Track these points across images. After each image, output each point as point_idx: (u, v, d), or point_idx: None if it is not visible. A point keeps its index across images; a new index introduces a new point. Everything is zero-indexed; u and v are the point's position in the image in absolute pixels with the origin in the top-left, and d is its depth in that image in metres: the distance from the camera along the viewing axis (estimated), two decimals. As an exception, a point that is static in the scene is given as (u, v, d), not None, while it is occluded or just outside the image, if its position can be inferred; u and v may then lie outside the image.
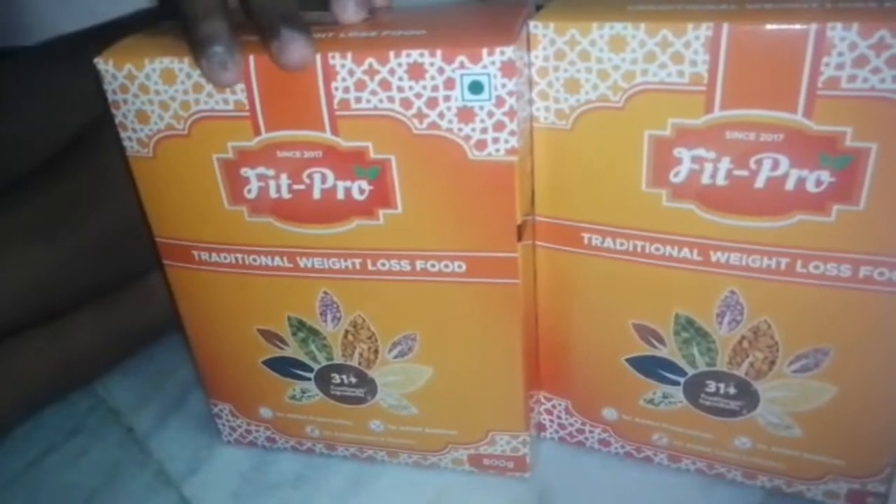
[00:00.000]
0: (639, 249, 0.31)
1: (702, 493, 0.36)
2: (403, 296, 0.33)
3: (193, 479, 0.40)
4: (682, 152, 0.29)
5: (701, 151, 0.28)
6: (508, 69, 0.27)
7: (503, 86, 0.27)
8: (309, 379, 0.37)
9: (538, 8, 0.30)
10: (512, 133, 0.28)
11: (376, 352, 0.35)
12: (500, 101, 0.28)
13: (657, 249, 0.31)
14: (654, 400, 0.35)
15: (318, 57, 0.28)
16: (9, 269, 0.41)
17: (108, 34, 0.44)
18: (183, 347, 0.47)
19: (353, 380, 0.36)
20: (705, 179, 0.29)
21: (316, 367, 0.37)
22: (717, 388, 0.34)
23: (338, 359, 0.36)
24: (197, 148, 0.31)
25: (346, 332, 0.35)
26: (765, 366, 0.32)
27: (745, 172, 0.28)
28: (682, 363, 0.33)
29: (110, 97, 0.32)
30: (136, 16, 0.51)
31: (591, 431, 0.38)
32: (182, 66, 0.30)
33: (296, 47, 0.27)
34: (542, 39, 0.29)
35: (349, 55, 0.28)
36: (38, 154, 0.46)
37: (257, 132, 0.30)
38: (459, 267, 0.32)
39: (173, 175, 0.33)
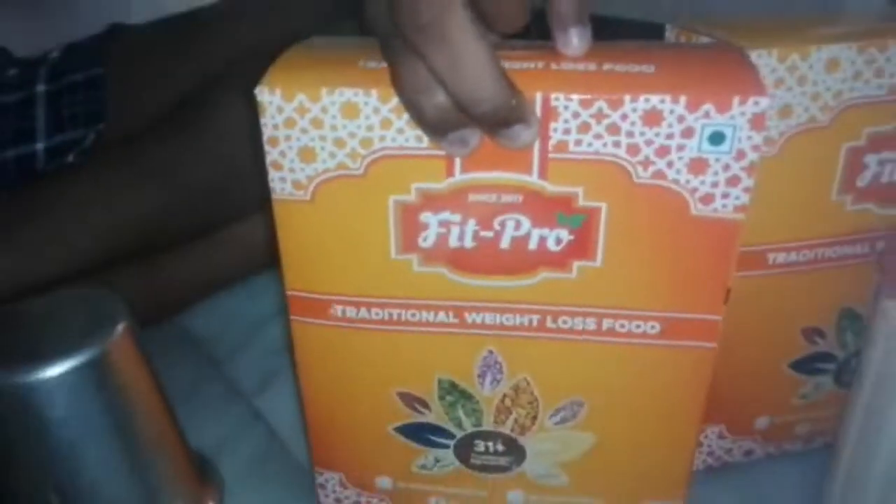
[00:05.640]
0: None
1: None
2: (579, 357, 0.30)
3: (263, 395, 0.47)
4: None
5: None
6: (759, 121, 0.25)
7: (748, 138, 0.26)
8: (447, 447, 0.34)
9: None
10: (746, 189, 0.26)
11: (535, 418, 0.32)
12: (740, 154, 0.26)
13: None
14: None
15: (539, 95, 0.26)
16: (121, 206, 0.49)
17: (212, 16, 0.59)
18: (257, 288, 0.56)
19: (501, 448, 0.33)
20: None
21: (459, 434, 0.33)
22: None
23: (487, 425, 0.33)
24: (372, 190, 0.28)
25: (505, 395, 0.32)
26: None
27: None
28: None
29: (268, 133, 0.28)
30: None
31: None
32: (369, 99, 0.27)
33: (520, 141, 0.26)
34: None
35: (575, 97, 0.26)
36: (150, 115, 0.54)
37: (450, 173, 0.27)
38: (653, 328, 0.29)
39: (332, 221, 0.29)
